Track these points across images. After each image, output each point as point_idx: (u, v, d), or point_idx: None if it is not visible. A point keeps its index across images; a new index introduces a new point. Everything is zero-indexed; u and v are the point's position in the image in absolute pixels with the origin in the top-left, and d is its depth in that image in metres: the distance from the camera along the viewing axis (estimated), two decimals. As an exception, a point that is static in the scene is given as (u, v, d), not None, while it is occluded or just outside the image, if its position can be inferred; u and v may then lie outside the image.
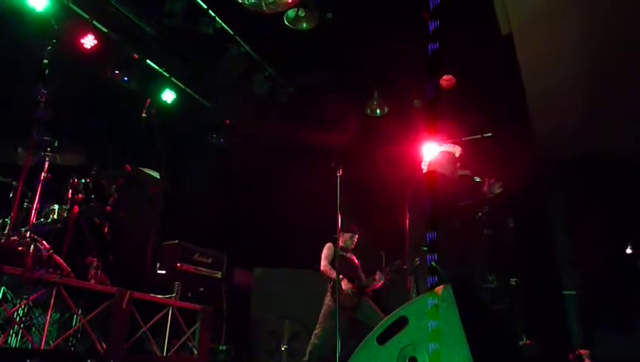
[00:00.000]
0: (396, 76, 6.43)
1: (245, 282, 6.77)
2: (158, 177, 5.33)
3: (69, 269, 3.74)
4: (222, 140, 7.70)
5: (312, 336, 5.14)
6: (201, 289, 5.39)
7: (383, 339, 2.62)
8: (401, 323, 2.60)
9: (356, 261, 5.50)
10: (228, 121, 7.56)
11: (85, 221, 4.39)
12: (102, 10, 5.84)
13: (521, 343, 5.42)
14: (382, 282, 5.32)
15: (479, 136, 7.16)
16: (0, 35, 4.86)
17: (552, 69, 5.71)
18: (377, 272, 5.38)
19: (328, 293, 5.24)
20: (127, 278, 4.38)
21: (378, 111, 7.35)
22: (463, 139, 7.15)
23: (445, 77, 6.57)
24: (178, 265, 5.28)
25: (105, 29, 5.93)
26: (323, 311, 5.17)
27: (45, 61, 3.98)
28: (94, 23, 5.81)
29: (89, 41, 5.74)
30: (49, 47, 4.04)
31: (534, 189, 6.73)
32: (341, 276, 5.02)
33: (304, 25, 5.91)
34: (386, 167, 6.79)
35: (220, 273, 5.85)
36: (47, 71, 3.98)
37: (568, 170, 6.98)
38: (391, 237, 6.22)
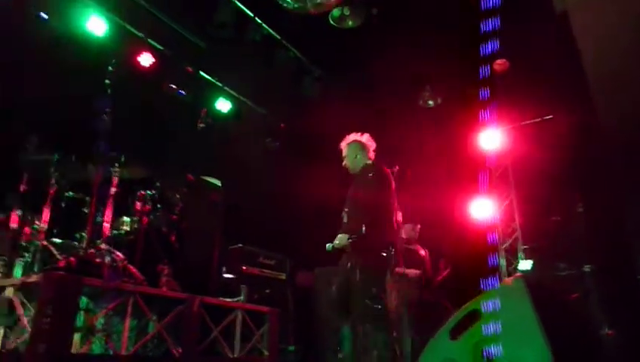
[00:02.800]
0: (447, 65, 6.29)
1: (308, 282, 6.82)
2: (219, 184, 5.48)
3: (143, 278, 3.92)
4: (277, 143, 7.81)
5: None
6: (267, 291, 5.47)
7: (455, 333, 2.56)
8: (474, 316, 2.53)
9: (422, 252, 5.40)
10: (283, 125, 7.65)
11: (154, 231, 4.59)
12: (155, 28, 6.09)
13: (602, 333, 5.15)
14: (447, 273, 5.21)
15: (539, 119, 6.88)
16: (66, 61, 5.15)
17: (613, 46, 5.39)
18: (441, 261, 5.27)
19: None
20: (196, 283, 4.52)
21: (431, 102, 7.23)
22: (522, 123, 6.90)
23: (498, 61, 6.36)
24: (244, 268, 5.39)
25: (160, 46, 6.17)
26: (389, 306, 5.12)
27: (107, 81, 4.18)
28: (149, 41, 6.06)
29: (146, 59, 6.00)
30: (110, 68, 4.24)
31: (602, 172, 6.39)
32: (406, 270, 4.95)
33: (350, 23, 5.90)
34: (444, 159, 6.66)
35: (284, 274, 5.92)
36: (109, 91, 4.18)
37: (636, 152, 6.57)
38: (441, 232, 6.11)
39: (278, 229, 6.99)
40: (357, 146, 4.13)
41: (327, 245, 3.63)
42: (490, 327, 2.48)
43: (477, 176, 6.24)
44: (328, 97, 7.26)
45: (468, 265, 5.06)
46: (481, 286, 3.54)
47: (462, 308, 2.62)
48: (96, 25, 5.49)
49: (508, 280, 2.50)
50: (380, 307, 3.44)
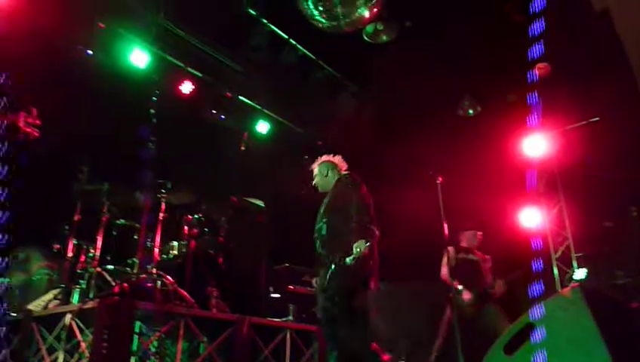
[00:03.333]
0: (487, 71, 6.20)
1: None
2: (262, 205, 5.55)
3: (193, 301, 3.99)
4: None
5: (434, 347, 5.00)
6: (314, 309, 5.46)
7: (510, 349, 2.48)
8: (529, 330, 2.44)
9: (483, 262, 5.26)
10: (320, 143, 7.68)
11: (202, 254, 4.69)
12: (194, 57, 6.28)
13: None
14: (505, 288, 5.03)
15: (585, 122, 6.65)
16: (112, 93, 5.38)
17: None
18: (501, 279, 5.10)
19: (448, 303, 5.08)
20: (245, 304, 4.57)
21: (471, 111, 7.13)
22: (567, 127, 6.69)
23: (540, 65, 6.21)
24: (290, 287, 5.41)
25: (199, 74, 6.35)
26: (443, 320, 5.02)
27: (152, 111, 4.34)
28: (189, 69, 6.26)
29: (187, 87, 6.20)
30: (153, 98, 4.40)
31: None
32: (462, 286, 4.86)
33: (384, 38, 5.92)
34: (489, 168, 6.52)
35: (330, 292, 5.89)
36: (154, 119, 4.33)
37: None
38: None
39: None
40: (327, 165, 4.17)
41: (347, 259, 3.49)
42: (547, 341, 2.39)
43: (524, 184, 6.07)
44: (365, 112, 7.26)
45: (521, 276, 4.89)
46: (536, 298, 3.42)
47: (516, 322, 2.53)
48: (139, 57, 5.72)
49: (565, 290, 2.40)
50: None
